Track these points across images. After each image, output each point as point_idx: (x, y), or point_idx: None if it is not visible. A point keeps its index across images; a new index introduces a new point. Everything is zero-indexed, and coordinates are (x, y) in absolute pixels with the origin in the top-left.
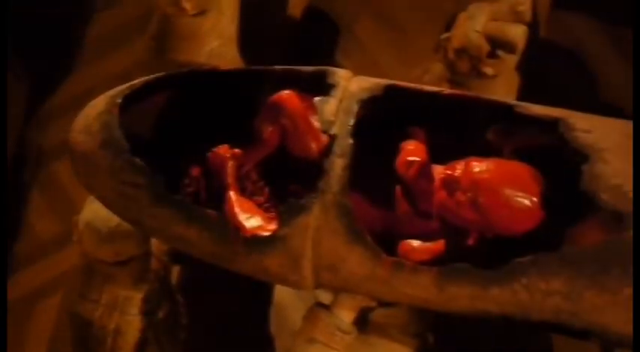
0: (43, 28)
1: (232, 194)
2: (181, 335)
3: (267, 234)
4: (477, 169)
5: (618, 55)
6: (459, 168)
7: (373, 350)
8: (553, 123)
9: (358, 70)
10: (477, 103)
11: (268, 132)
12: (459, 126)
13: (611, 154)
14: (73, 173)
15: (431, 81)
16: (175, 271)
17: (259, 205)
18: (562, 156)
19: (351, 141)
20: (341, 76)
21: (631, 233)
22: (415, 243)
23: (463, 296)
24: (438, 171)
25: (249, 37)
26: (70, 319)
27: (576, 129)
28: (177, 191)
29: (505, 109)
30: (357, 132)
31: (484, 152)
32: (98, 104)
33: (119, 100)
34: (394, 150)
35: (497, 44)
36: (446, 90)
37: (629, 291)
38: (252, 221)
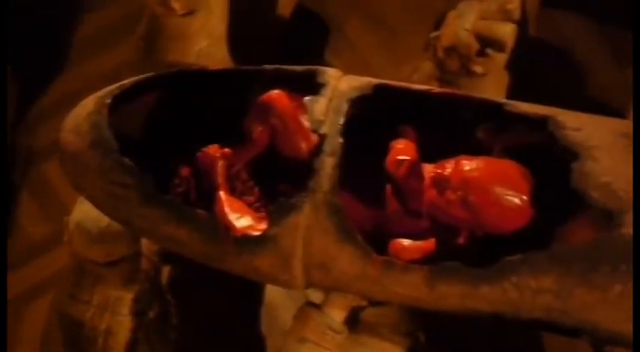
0: (32, 28)
1: (222, 194)
2: (172, 335)
3: (257, 233)
4: (466, 168)
5: (608, 53)
6: (448, 167)
7: (364, 349)
8: (542, 122)
9: (348, 69)
10: (466, 102)
11: (258, 131)
12: (449, 125)
13: (601, 152)
14: (62, 173)
15: (420, 80)
16: (166, 271)
17: (249, 205)
18: (552, 155)
19: (341, 140)
20: (331, 75)
21: (621, 230)
22: (406, 241)
23: (454, 295)
24: (428, 169)
25: (238, 36)
26: (60, 320)
27: (566, 127)
28: (167, 191)
29: (494, 108)
30: (347, 131)
31: (474, 150)
32: (87, 104)
33: (108, 100)
34: (384, 149)
35: (487, 43)
36: (435, 88)
37: (619, 288)
38: (242, 221)
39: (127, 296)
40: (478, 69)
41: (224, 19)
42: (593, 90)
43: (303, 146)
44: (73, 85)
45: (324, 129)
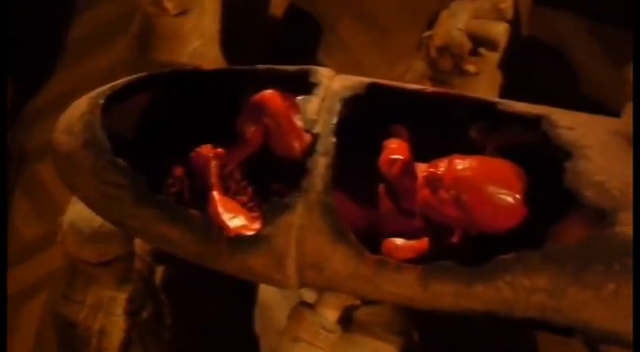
0: (26, 28)
1: (215, 194)
2: (166, 335)
3: (250, 233)
4: (460, 167)
5: (601, 51)
6: (442, 166)
7: (358, 348)
8: (536, 121)
9: (341, 69)
10: (459, 101)
11: (251, 131)
12: (442, 124)
13: (594, 151)
14: (55, 173)
15: (413, 79)
16: (159, 271)
17: (243, 205)
18: (545, 154)
19: (333, 139)
20: (323, 74)
21: (614, 229)
22: (399, 241)
23: (447, 294)
24: (421, 169)
25: (231, 36)
26: (54, 320)
27: (559, 126)
28: (160, 191)
29: (488, 107)
30: (340, 130)
31: (467, 150)
32: (81, 104)
33: (101, 101)
34: (377, 149)
35: (480, 42)
36: (428, 88)
37: (612, 287)
38: (235, 220)
39: (121, 297)
40: (471, 68)
41: (217, 18)
42: (586, 89)
43: (296, 146)
44: (66, 85)
45: (317, 129)
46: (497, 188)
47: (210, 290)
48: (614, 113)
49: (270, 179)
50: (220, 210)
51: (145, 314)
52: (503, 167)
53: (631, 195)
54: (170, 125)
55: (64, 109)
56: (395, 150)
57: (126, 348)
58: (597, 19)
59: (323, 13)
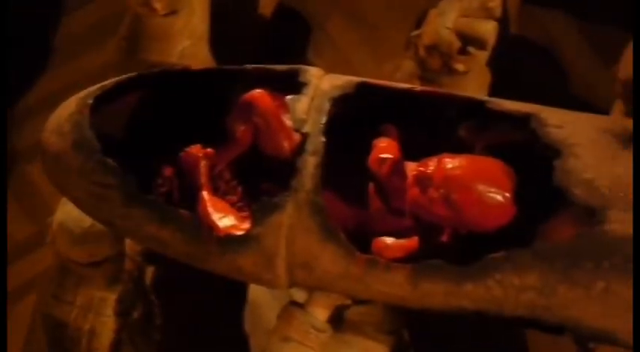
0: (16, 27)
1: (205, 194)
2: (156, 335)
3: (240, 233)
4: (449, 166)
5: (590, 49)
6: (431, 165)
7: (348, 348)
8: (525, 119)
9: (330, 68)
10: (448, 100)
11: (240, 131)
12: (431, 123)
13: (583, 149)
14: (44, 174)
15: (402, 78)
16: (149, 271)
17: (232, 204)
18: (534, 152)
19: (323, 139)
20: (312, 74)
21: (603, 227)
22: (389, 240)
23: (437, 293)
24: (411, 168)
25: (220, 36)
26: (44, 320)
27: (548, 124)
28: (149, 191)
29: (477, 105)
30: (330, 130)
31: (456, 148)
32: (69, 105)
33: (90, 101)
34: (367, 148)
35: (468, 40)
36: (417, 87)
37: (602, 285)
38: (225, 220)
39: (111, 297)
40: (460, 67)
41: (206, 18)
42: (575, 87)
43: (286, 145)
44: (56, 85)
45: (306, 128)
46: (486, 187)
47: (200, 290)
48: (603, 111)
49: (260, 178)
50: (210, 209)
51: (135, 315)
52: (492, 166)
53: (620, 193)
54: (159, 125)
55: (53, 109)
56: (384, 149)
57: (116, 348)
58: (586, 17)
59: (312, 11)
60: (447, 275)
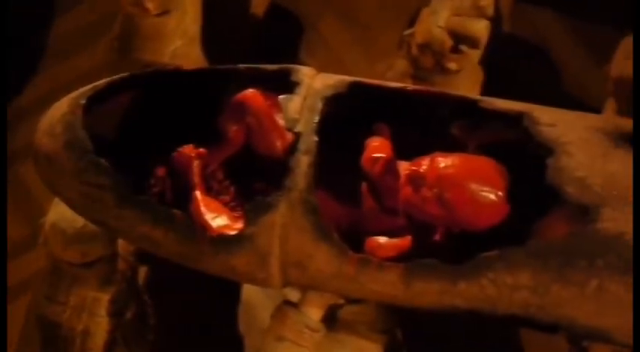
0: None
1: (198, 194)
2: (149, 335)
3: (233, 232)
4: (442, 165)
5: (582, 48)
6: (424, 164)
7: (342, 347)
8: (517, 118)
9: (323, 68)
10: (441, 99)
11: (233, 131)
12: (424, 122)
13: (575, 147)
14: (37, 175)
15: (394, 77)
16: (142, 272)
17: (225, 204)
18: (526, 150)
19: (316, 138)
20: (305, 73)
21: (596, 225)
22: (381, 239)
23: (430, 292)
24: (404, 167)
25: (212, 36)
26: (37, 321)
27: (540, 123)
28: (142, 191)
29: (469, 104)
30: (322, 129)
31: (449, 147)
32: (62, 105)
33: (82, 101)
34: (359, 147)
35: (461, 39)
36: (410, 86)
37: (595, 283)
38: (218, 220)
39: (104, 297)
40: (452, 65)
41: (198, 18)
42: (567, 86)
43: (279, 144)
44: (48, 85)
45: (299, 128)
46: (479, 185)
47: (194, 290)
48: (596, 109)
49: (253, 178)
50: (203, 209)
51: (128, 315)
52: (485, 164)
53: (613, 191)
54: (152, 125)
55: (46, 110)
56: (377, 148)
57: (110, 349)
58: (577, 16)
59: (304, 11)
60: (440, 274)
